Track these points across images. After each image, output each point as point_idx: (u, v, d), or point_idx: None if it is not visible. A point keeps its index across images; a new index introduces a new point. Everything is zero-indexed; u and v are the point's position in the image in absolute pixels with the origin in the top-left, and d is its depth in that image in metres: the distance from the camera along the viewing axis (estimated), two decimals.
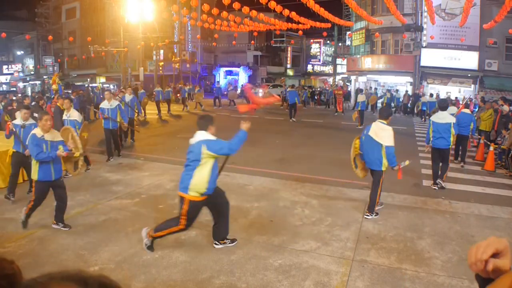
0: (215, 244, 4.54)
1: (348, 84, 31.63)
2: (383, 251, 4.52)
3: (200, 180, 4.14)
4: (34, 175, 4.83)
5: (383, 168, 5.52)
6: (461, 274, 3.96)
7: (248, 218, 5.49)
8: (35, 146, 4.70)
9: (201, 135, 4.25)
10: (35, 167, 4.80)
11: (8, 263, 0.95)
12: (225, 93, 26.93)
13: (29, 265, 3.90)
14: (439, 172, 7.33)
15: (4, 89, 38.57)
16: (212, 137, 4.24)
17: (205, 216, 5.53)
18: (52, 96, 15.36)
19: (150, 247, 4.36)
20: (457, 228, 5.26)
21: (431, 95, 19.88)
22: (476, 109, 16.10)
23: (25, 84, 43.33)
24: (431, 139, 7.28)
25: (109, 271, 3.87)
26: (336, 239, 4.81)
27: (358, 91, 21.66)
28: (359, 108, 16.07)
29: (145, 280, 3.81)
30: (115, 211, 5.69)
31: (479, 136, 11.38)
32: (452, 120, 7.18)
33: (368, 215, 5.54)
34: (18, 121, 6.15)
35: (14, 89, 34.04)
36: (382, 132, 5.50)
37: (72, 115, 7.39)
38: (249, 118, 4.37)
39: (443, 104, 7.55)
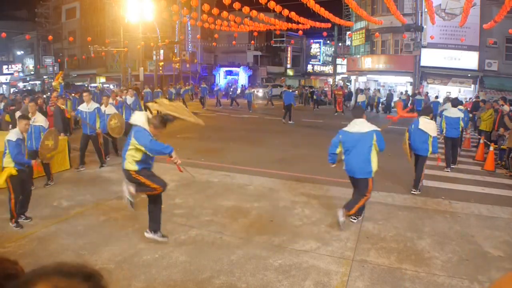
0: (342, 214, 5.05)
1: (348, 84, 31.62)
2: (383, 251, 4.52)
3: (376, 162, 5.07)
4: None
5: (428, 154, 6.78)
6: (461, 274, 3.95)
7: (248, 218, 5.50)
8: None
9: (367, 124, 5.08)
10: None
11: (11, 263, 0.95)
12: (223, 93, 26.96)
13: (29, 265, 3.85)
14: (451, 158, 8.85)
15: (5, 89, 38.61)
16: (378, 128, 5.06)
17: (205, 216, 5.54)
18: (50, 95, 15.22)
19: (343, 223, 5.07)
20: (457, 228, 5.26)
21: (419, 93, 21.67)
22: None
23: (25, 84, 43.32)
24: (444, 130, 8.72)
25: (109, 271, 3.87)
26: (336, 239, 4.82)
27: (358, 91, 21.70)
28: None
29: (145, 280, 3.81)
30: (115, 211, 5.68)
31: (479, 136, 11.38)
32: (461, 115, 8.70)
33: (414, 191, 6.82)
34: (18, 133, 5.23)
35: (14, 88, 33.98)
36: (428, 125, 6.71)
37: (38, 120, 6.63)
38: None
39: (456, 102, 9.36)
